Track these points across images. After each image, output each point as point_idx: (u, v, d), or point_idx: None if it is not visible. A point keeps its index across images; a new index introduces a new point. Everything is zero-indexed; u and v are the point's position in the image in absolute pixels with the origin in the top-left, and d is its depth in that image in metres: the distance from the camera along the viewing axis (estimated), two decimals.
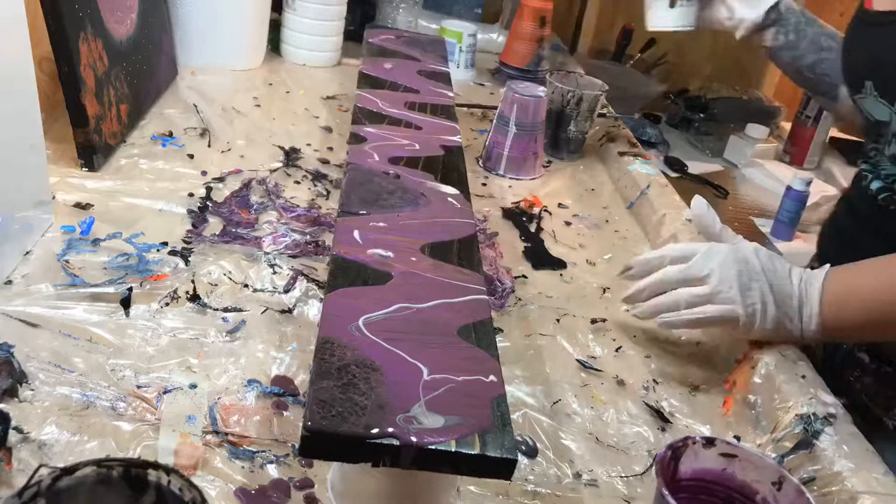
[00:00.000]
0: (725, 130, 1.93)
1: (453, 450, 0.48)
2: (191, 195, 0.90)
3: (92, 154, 0.90)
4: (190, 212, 0.87)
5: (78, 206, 0.84)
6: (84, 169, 0.90)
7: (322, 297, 0.75)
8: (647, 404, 0.72)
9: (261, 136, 1.09)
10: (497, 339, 0.60)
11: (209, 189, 0.92)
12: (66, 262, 0.74)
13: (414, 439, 0.48)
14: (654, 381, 0.76)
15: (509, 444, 0.49)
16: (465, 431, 0.49)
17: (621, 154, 1.19)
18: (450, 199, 0.80)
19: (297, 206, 0.93)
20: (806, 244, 1.55)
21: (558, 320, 0.82)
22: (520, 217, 1.02)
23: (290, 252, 0.83)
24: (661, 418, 0.71)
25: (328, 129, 1.16)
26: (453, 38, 1.47)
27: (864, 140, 0.87)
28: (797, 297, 0.72)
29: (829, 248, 0.92)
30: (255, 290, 0.77)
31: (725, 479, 0.54)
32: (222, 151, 1.03)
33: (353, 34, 1.47)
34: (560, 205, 1.08)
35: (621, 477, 0.64)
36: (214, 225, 0.86)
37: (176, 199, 0.89)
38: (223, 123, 1.10)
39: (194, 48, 1.26)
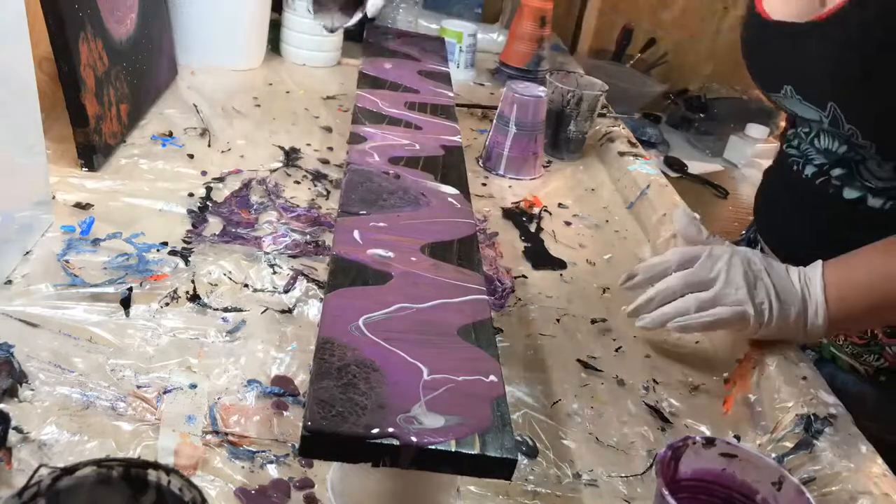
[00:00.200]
0: (725, 130, 1.93)
1: (453, 450, 0.48)
2: (191, 195, 0.90)
3: (92, 154, 0.90)
4: (190, 212, 0.87)
5: (78, 206, 0.84)
6: (84, 169, 0.90)
7: (322, 297, 0.75)
8: (647, 404, 0.72)
9: (261, 136, 1.09)
10: (497, 339, 0.60)
11: (209, 189, 0.92)
12: (66, 262, 0.74)
13: (414, 439, 0.48)
14: (654, 381, 0.76)
15: (509, 444, 0.49)
16: (466, 431, 0.49)
17: (621, 154, 1.19)
18: (450, 199, 0.80)
19: (297, 206, 0.93)
20: None
21: (558, 320, 0.82)
22: (520, 217, 1.02)
23: (290, 252, 0.83)
24: (661, 418, 0.71)
25: (328, 129, 1.16)
26: (453, 38, 1.47)
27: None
28: (800, 294, 0.72)
29: (769, 220, 0.95)
30: (255, 290, 0.77)
31: (725, 479, 0.54)
32: (222, 151, 1.03)
33: (353, 34, 1.47)
34: (560, 205, 1.08)
35: (621, 477, 0.64)
36: (214, 225, 0.86)
37: (176, 199, 0.89)
38: (223, 123, 1.10)
39: (194, 48, 1.26)
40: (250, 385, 0.65)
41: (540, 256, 0.94)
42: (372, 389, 0.51)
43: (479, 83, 1.51)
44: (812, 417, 0.65)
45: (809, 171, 0.85)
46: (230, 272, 0.78)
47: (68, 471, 0.39)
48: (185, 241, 0.81)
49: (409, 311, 0.60)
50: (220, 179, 0.95)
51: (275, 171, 1.00)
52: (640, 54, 2.08)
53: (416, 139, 0.92)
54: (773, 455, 0.65)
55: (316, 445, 0.48)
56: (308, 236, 0.87)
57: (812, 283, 0.72)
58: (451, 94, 1.09)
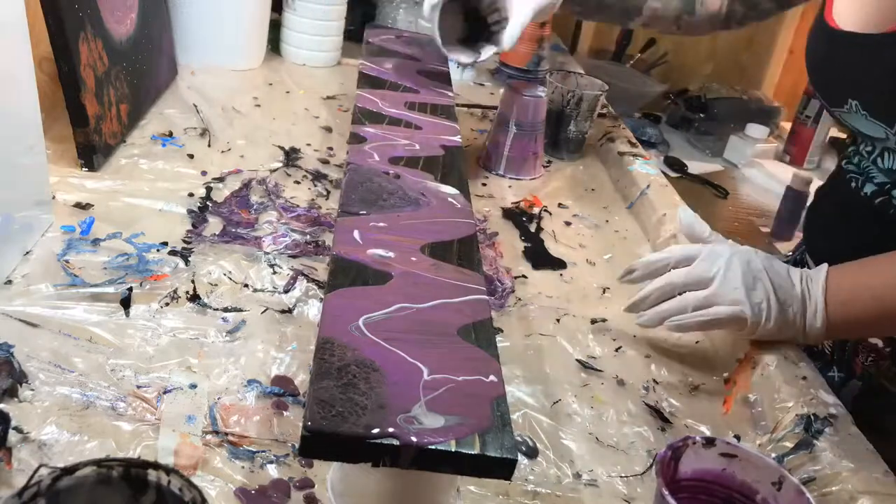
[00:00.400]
0: (725, 130, 1.93)
1: (453, 450, 0.48)
2: (191, 195, 0.90)
3: (92, 154, 0.90)
4: (190, 212, 0.87)
5: (78, 206, 0.84)
6: (84, 169, 0.90)
7: (322, 297, 0.75)
8: (647, 404, 0.72)
9: (261, 136, 1.09)
10: (497, 339, 0.60)
11: (209, 189, 0.92)
12: (66, 262, 0.74)
13: (414, 439, 0.48)
14: (654, 381, 0.76)
15: (509, 444, 0.49)
16: (466, 431, 0.49)
17: (621, 154, 1.19)
18: (450, 199, 0.80)
19: (297, 206, 0.93)
20: None
21: (558, 320, 0.82)
22: (520, 217, 1.02)
23: (290, 252, 0.83)
24: (661, 418, 0.71)
25: (328, 129, 1.16)
26: None
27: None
28: (800, 295, 0.72)
29: (818, 241, 0.92)
30: (255, 290, 0.77)
31: (725, 479, 0.54)
32: (222, 151, 1.03)
33: (353, 34, 1.47)
34: (560, 205, 1.08)
35: (621, 477, 0.64)
36: (214, 225, 0.86)
37: (176, 199, 0.89)
38: (223, 123, 1.10)
39: (194, 48, 1.26)
40: (250, 385, 0.65)
41: (540, 256, 0.94)
42: (372, 389, 0.51)
43: (479, 83, 1.51)
44: (812, 417, 0.65)
45: (869, 189, 0.81)
46: (230, 272, 0.78)
47: (68, 471, 0.39)
48: (185, 241, 0.81)
49: (409, 311, 0.60)
50: (220, 179, 0.95)
51: (275, 171, 1.00)
52: (639, 54, 2.08)
53: (416, 139, 0.92)
54: (773, 455, 0.65)
55: (316, 445, 0.48)
56: (308, 236, 0.87)
57: (814, 284, 0.72)
58: (451, 94, 1.09)
